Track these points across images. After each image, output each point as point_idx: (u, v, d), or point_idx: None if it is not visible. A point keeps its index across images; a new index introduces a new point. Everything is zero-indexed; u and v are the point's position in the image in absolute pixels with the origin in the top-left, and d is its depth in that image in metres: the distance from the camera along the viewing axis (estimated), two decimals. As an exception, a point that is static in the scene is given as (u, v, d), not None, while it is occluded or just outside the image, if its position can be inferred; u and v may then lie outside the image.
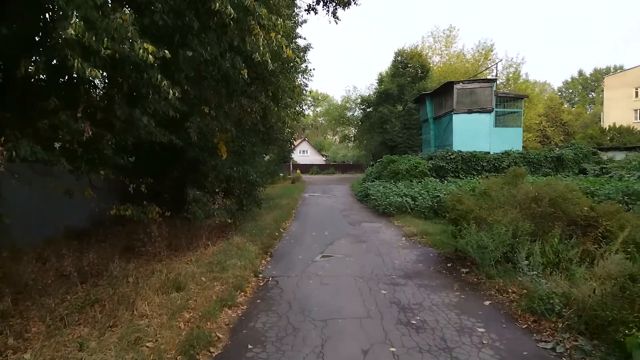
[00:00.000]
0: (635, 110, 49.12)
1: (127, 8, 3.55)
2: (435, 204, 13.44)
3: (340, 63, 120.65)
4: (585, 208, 6.65)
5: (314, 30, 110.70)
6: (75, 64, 3.36)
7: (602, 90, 79.18)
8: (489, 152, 20.90)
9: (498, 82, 22.89)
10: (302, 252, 8.80)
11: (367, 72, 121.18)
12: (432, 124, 26.01)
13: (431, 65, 43.96)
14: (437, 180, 19.41)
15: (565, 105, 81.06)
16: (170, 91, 4.50)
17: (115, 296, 5.82)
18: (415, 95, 40.88)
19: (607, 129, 34.42)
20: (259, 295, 6.06)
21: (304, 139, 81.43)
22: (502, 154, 20.52)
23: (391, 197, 14.55)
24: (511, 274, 6.01)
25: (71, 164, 4.95)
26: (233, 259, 7.58)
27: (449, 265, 7.52)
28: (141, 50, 3.74)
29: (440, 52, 45.83)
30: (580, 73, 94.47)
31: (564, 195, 6.73)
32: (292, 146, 47.63)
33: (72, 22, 3.19)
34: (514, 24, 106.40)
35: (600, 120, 64.21)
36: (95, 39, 3.46)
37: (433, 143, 25.92)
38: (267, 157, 41.91)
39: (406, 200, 13.84)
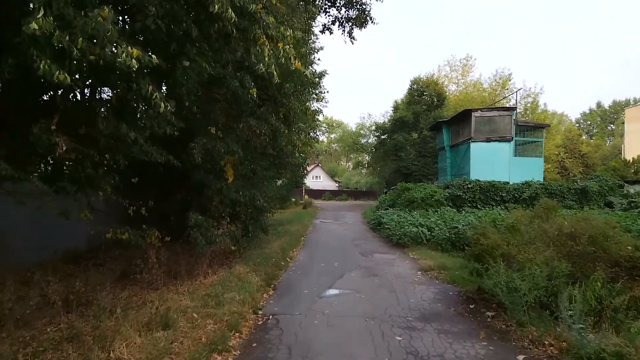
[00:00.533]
0: (658, 143, 47.92)
1: (108, 6, 3.07)
2: (453, 236, 12.63)
3: (356, 90, 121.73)
4: (629, 247, 5.85)
5: (329, 57, 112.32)
6: (42, 66, 2.86)
7: (622, 123, 78.03)
8: (508, 182, 20.06)
9: (516, 111, 22.24)
10: (308, 286, 8.06)
11: (382, 99, 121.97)
12: (449, 152, 25.32)
13: (447, 93, 43.66)
14: (454, 210, 18.61)
15: (584, 137, 79.74)
16: (162, 104, 3.99)
17: (98, 331, 5.21)
18: (431, 123, 40.50)
19: (631, 161, 33.20)
20: (255, 337, 5.33)
21: (318, 165, 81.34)
22: (523, 184, 19.66)
23: (406, 227, 13.79)
24: (547, 323, 5.21)
25: (52, 183, 4.47)
26: (232, 291, 6.92)
27: (471, 306, 6.71)
28: (124, 55, 3.25)
29: (456, 81, 45.63)
30: (599, 105, 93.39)
31: (605, 233, 5.95)
32: (305, 171, 47.36)
33: (38, 16, 2.70)
34: (531, 53, 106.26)
35: (621, 153, 62.89)
36: (68, 39, 2.97)
37: (449, 172, 25.16)
38: (279, 182, 41.79)
39: (422, 231, 13.06)
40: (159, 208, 9.93)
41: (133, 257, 9.25)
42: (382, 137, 45.59)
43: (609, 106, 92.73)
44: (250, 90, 8.30)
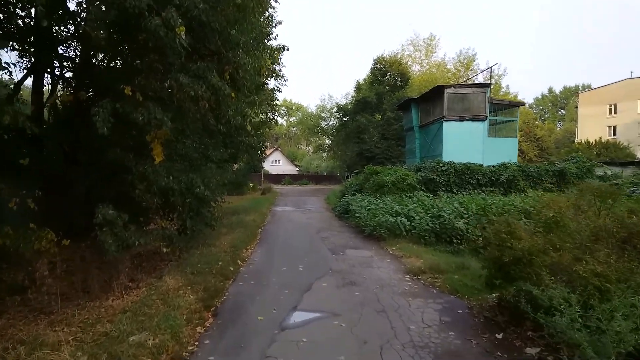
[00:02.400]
0: (609, 126, 49.20)
1: None
2: (437, 226, 10.73)
3: (316, 71, 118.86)
4: None
5: (288, 36, 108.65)
6: None
7: (574, 107, 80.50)
8: (482, 165, 18.54)
9: (490, 89, 20.75)
10: (264, 307, 5.74)
11: (343, 80, 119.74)
12: (418, 132, 23.59)
13: (411, 74, 42.06)
14: (428, 195, 16.87)
15: (537, 122, 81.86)
16: None
17: None
18: (397, 102, 38.79)
19: (594, 143, 33.11)
20: None
21: (277, 149, 78.60)
22: (499, 166, 18.20)
23: (380, 216, 11.75)
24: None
25: None
26: (145, 327, 4.52)
27: (498, 336, 4.70)
28: None
29: (420, 61, 44.15)
30: (550, 90, 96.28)
31: None
32: (263, 155, 44.63)
33: None
34: (495, 34, 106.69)
35: (573, 136, 64.59)
36: None
37: (419, 153, 23.48)
38: (236, 166, 38.91)
39: (400, 221, 11.06)
40: (55, 199, 7.26)
41: (19, 269, 6.69)
42: (344, 119, 43.56)
43: (560, 92, 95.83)
44: (177, 29, 5.81)
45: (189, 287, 6.28)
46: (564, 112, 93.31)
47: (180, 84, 6.36)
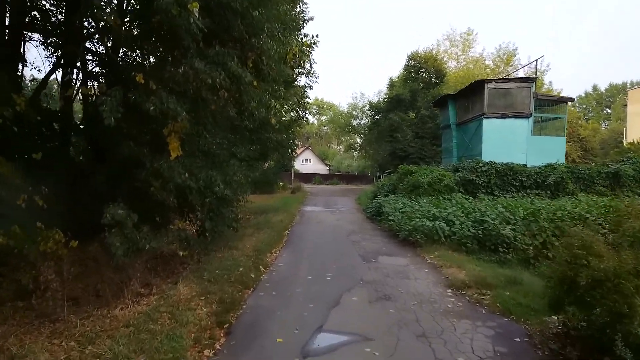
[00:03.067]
0: (663, 125, 45.89)
1: None
2: (480, 233, 9.70)
3: (348, 71, 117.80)
4: None
5: (321, 36, 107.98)
6: None
7: (622, 106, 75.77)
8: (526, 165, 17.16)
9: (536, 83, 19.24)
10: (284, 325, 5.00)
11: (376, 81, 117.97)
12: (455, 130, 22.30)
13: (447, 70, 40.43)
14: (467, 197, 15.74)
15: (581, 121, 77.94)
16: None
17: None
18: (432, 99, 37.33)
19: (648, 143, 30.59)
20: None
21: (308, 147, 78.25)
22: (546, 167, 16.78)
23: (416, 220, 10.81)
24: None
25: None
26: (140, 353, 3.87)
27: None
28: None
29: (456, 57, 42.40)
30: (595, 88, 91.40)
31: None
32: (294, 153, 44.17)
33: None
34: (537, 29, 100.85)
35: (621, 137, 60.73)
36: None
37: (456, 153, 22.20)
38: (267, 165, 38.60)
39: (439, 226, 10.09)
40: (66, 197, 6.80)
41: (24, 272, 6.25)
42: (376, 117, 42.46)
43: (606, 89, 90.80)
44: (190, 6, 5.16)
45: (203, 298, 5.64)
46: (609, 111, 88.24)
47: (196, 71, 5.72)
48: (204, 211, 7.47)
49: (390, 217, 12.57)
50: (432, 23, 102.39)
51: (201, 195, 7.23)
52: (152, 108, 5.51)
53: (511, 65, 39.22)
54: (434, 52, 40.85)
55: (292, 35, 7.70)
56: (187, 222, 8.03)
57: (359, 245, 10.63)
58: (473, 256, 9.22)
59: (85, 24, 7.72)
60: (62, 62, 8.21)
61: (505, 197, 15.67)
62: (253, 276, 7.05)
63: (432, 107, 37.73)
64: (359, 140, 62.27)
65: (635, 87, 62.02)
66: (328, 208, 21.41)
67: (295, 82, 30.70)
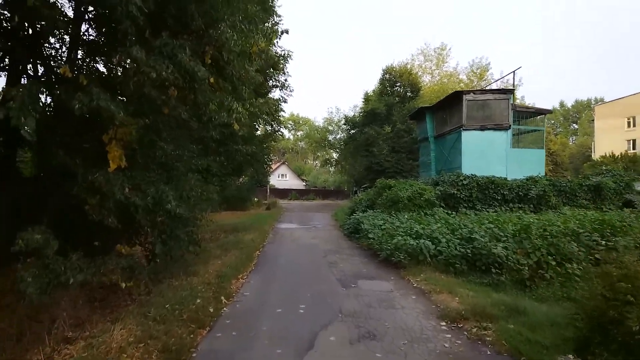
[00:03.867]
0: (629, 140, 47.35)
1: None
2: (469, 252, 8.84)
3: (323, 87, 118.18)
4: None
5: (296, 51, 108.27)
6: None
7: (588, 121, 78.35)
8: (506, 178, 16.64)
9: (514, 95, 18.93)
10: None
11: (352, 95, 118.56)
12: (433, 143, 21.76)
13: (422, 84, 40.46)
14: (447, 212, 15.02)
15: (550, 136, 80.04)
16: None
17: None
18: (408, 113, 37.04)
19: (619, 157, 31.06)
20: None
21: (283, 163, 77.36)
22: (527, 180, 16.29)
23: (398, 238, 9.88)
24: None
25: None
26: None
27: None
28: None
29: (431, 72, 42.57)
30: (562, 104, 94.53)
31: None
32: (269, 169, 42.99)
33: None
34: (509, 44, 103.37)
35: (589, 151, 62.40)
36: None
37: (434, 166, 21.62)
38: (242, 179, 37.23)
39: (424, 244, 9.19)
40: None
41: None
42: (352, 131, 41.93)
43: (572, 105, 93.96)
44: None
45: (142, 345, 4.47)
46: (576, 127, 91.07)
47: (136, 62, 4.67)
48: (154, 233, 6.31)
49: (370, 235, 11.62)
50: (407, 37, 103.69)
51: (150, 214, 6.08)
52: (77, 106, 4.40)
53: (484, 80, 39.61)
54: (409, 66, 40.91)
55: (257, 28, 6.69)
56: (136, 245, 6.84)
57: (336, 267, 9.60)
58: (462, 278, 8.33)
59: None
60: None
61: (487, 211, 15.04)
62: (212, 310, 5.90)
63: (407, 120, 37.43)
64: (335, 155, 61.77)
65: (599, 103, 64.30)
66: (304, 225, 20.33)
67: (269, 94, 29.89)
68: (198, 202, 7.25)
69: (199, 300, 6.19)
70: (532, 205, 15.58)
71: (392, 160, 35.17)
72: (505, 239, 9.20)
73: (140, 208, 5.78)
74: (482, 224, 10.54)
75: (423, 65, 42.72)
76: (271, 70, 24.39)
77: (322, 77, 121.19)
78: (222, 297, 6.56)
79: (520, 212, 15.09)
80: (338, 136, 55.65)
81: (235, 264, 9.31)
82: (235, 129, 6.50)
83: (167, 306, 5.72)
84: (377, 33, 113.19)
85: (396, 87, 39.89)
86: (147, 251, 6.80)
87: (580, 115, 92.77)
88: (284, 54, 26.96)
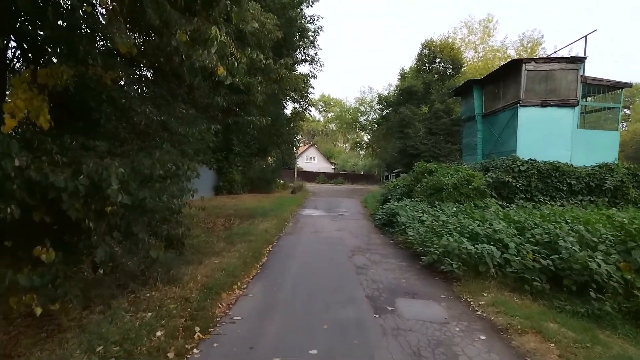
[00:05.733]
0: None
1: None
2: (550, 263, 6.37)
3: (356, 67, 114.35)
4: None
5: (328, 31, 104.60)
6: None
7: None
8: (572, 165, 13.77)
9: (584, 64, 15.79)
10: None
11: (385, 76, 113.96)
12: (481, 122, 18.91)
13: (464, 60, 36.99)
14: (500, 203, 12.45)
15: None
16: None
17: None
18: (447, 92, 33.88)
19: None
20: None
21: (312, 145, 75.24)
22: (601, 167, 13.39)
23: (449, 238, 7.51)
24: None
25: None
26: None
27: None
28: None
29: (475, 46, 38.87)
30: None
31: None
32: (296, 149, 40.88)
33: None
34: (564, 13, 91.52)
35: (645, 138, 56.73)
36: None
37: (481, 149, 18.84)
38: (271, 161, 35.29)
39: (488, 251, 6.78)
40: None
41: None
42: (386, 111, 39.10)
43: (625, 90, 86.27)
44: None
45: None
46: (629, 112, 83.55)
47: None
48: (97, 231, 4.22)
49: (410, 232, 9.28)
50: (448, 8, 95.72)
51: (86, 203, 4.00)
52: None
53: (536, 55, 35.67)
54: (451, 40, 37.39)
55: None
56: (47, 253, 4.79)
57: (366, 274, 7.36)
58: (543, 301, 5.93)
59: None
60: None
61: (549, 204, 12.38)
62: (171, 357, 3.81)
63: (448, 98, 34.39)
64: (366, 138, 59.04)
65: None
66: (329, 212, 18.15)
67: (296, 68, 27.61)
68: (174, 184, 5.13)
69: (156, 336, 4.11)
70: (606, 199, 12.75)
71: (428, 144, 32.36)
72: (597, 244, 6.65)
73: (66, 192, 3.70)
74: (557, 222, 7.99)
75: (466, 40, 39.14)
76: (297, 37, 22.02)
77: (355, 56, 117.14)
78: (197, 328, 4.44)
79: (592, 206, 12.37)
80: (370, 117, 52.89)
81: (236, 265, 7.22)
82: (220, 75, 4.27)
83: (98, 350, 3.66)
84: (415, 6, 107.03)
85: (435, 64, 36.65)
86: (88, 258, 4.75)
87: (634, 99, 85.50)
88: (314, 28, 24.59)
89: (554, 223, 7.85)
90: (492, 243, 7.14)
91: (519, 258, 6.61)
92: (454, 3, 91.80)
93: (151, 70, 7.66)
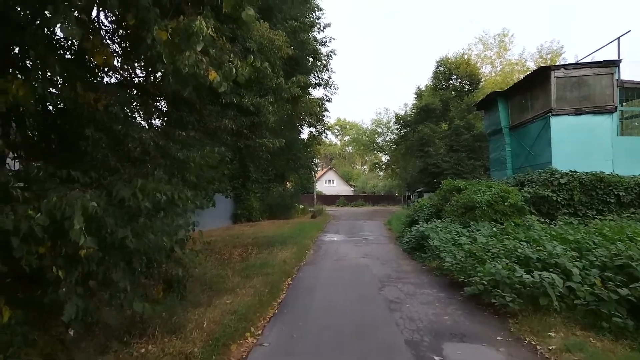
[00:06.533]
0: None
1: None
2: (629, 293, 5.23)
3: (370, 90, 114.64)
4: None
5: (343, 55, 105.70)
6: None
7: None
8: (618, 175, 12.47)
9: (619, 68, 14.67)
10: None
11: (400, 96, 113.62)
12: (508, 135, 17.79)
13: (481, 76, 36.07)
14: (542, 220, 11.27)
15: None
16: None
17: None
18: (466, 108, 32.96)
19: None
20: None
21: (331, 168, 74.78)
22: (653, 176, 12.10)
23: (496, 265, 6.44)
24: None
25: None
26: None
27: None
28: None
29: (492, 61, 37.91)
30: None
31: None
32: (314, 173, 40.17)
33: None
34: (584, 21, 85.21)
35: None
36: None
37: (510, 164, 17.65)
38: (289, 186, 34.56)
39: (550, 280, 5.67)
40: None
41: None
42: (404, 130, 38.18)
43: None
44: None
45: None
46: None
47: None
48: (66, 281, 3.37)
49: (446, 258, 8.20)
50: (461, 26, 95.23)
51: (54, 248, 3.18)
52: None
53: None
54: (466, 56, 36.59)
55: None
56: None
57: (401, 310, 6.31)
58: (628, 340, 4.78)
59: None
60: None
61: (597, 219, 11.13)
62: None
63: (466, 115, 33.35)
64: (384, 159, 58.10)
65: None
66: (352, 236, 17.13)
67: (311, 92, 27.15)
68: (166, 218, 4.30)
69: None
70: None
71: (450, 161, 31.22)
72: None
73: (17, 236, 2.89)
74: (622, 240, 6.83)
75: (482, 55, 38.24)
76: (311, 60, 21.57)
77: (370, 78, 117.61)
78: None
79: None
80: (387, 138, 52.01)
81: (250, 305, 6.29)
82: (213, 81, 3.47)
83: None
84: (428, 26, 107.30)
85: (452, 80, 35.84)
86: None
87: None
88: (327, 51, 24.21)
89: (619, 242, 6.70)
90: (550, 270, 6.02)
91: (585, 286, 5.50)
92: (467, 20, 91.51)
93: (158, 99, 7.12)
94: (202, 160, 5.77)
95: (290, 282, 8.45)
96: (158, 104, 7.51)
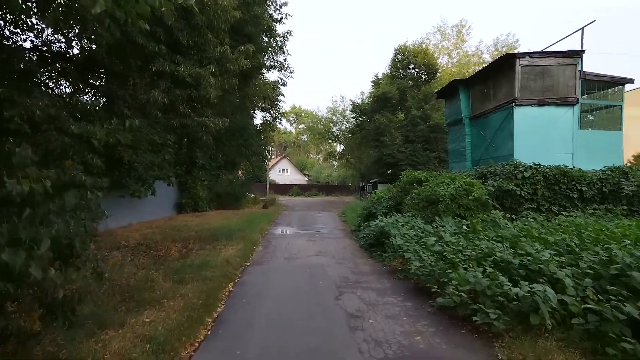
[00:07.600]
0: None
1: None
2: (627, 307, 4.40)
3: (327, 77, 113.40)
4: None
5: (298, 40, 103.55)
6: None
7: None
8: (581, 169, 12.11)
9: (582, 59, 14.35)
10: None
11: (358, 83, 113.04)
12: (469, 126, 17.23)
13: (439, 66, 35.87)
14: (507, 215, 10.67)
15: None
16: None
17: None
18: (423, 98, 32.56)
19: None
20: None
21: (284, 157, 73.09)
22: (613, 171, 11.81)
23: (476, 274, 5.46)
24: None
25: None
26: None
27: None
28: None
29: (449, 52, 37.78)
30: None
31: None
32: (267, 161, 38.58)
33: None
34: (538, 15, 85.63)
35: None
36: None
37: (470, 155, 17.12)
38: (241, 174, 32.74)
39: (541, 294, 4.73)
40: None
41: None
42: (360, 119, 37.40)
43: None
44: None
45: None
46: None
47: None
48: None
49: (412, 259, 7.19)
50: (420, 16, 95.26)
51: None
52: None
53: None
54: (424, 46, 36.20)
55: None
56: None
57: (362, 326, 5.19)
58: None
59: None
60: None
61: (562, 215, 10.67)
62: None
63: (423, 106, 32.97)
64: (339, 148, 57.37)
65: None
66: (305, 229, 15.96)
67: (265, 73, 25.49)
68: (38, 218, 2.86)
69: None
70: (624, 207, 11.11)
71: (405, 152, 30.76)
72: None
73: None
74: (606, 242, 6.09)
75: (440, 45, 38.05)
76: (266, 39, 19.91)
77: (326, 65, 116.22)
78: None
79: (610, 215, 10.76)
80: (343, 127, 51.21)
81: (175, 326, 4.92)
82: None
83: None
84: (386, 14, 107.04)
85: (410, 70, 35.35)
86: None
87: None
88: (283, 32, 22.68)
89: (607, 243, 5.93)
90: (540, 280, 5.11)
91: (579, 301, 4.61)
92: (426, 8, 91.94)
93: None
94: (109, 137, 4.28)
95: (231, 289, 7.11)
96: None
